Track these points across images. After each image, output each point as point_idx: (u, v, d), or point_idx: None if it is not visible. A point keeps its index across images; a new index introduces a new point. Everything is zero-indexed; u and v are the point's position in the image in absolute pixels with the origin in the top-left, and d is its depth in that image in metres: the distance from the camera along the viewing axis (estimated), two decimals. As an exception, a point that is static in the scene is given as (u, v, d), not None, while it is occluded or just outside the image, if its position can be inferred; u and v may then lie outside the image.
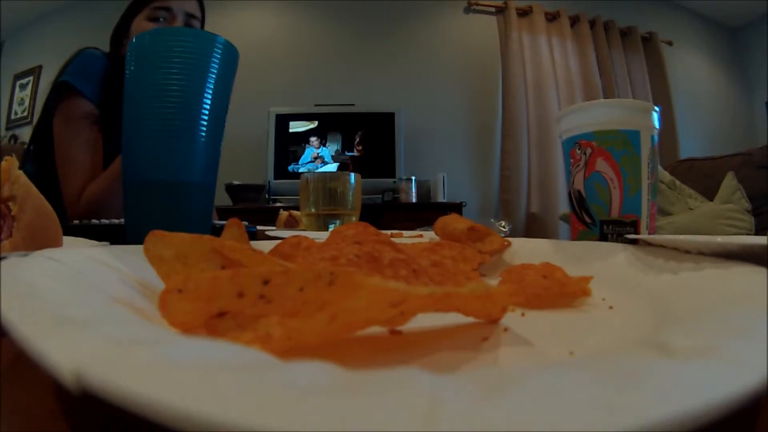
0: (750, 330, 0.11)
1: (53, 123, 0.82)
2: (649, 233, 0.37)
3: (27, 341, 0.09)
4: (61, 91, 0.81)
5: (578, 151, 0.39)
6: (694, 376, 0.08)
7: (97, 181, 0.80)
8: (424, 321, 0.17)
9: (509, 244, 0.35)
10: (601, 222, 0.38)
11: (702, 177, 1.12)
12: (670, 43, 2.94)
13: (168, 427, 0.06)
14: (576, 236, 0.40)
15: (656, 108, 0.39)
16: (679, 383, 0.08)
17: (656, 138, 0.39)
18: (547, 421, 0.07)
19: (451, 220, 0.36)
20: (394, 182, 2.27)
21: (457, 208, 2.12)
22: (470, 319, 0.17)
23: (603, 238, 0.37)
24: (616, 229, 0.37)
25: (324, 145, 2.34)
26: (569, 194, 0.41)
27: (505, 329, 0.17)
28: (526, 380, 0.08)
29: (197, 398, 0.07)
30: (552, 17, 2.68)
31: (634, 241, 0.29)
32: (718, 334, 0.11)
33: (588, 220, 0.38)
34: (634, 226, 0.37)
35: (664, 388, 0.07)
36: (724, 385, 0.07)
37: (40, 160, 0.85)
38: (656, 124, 0.39)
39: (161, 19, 0.84)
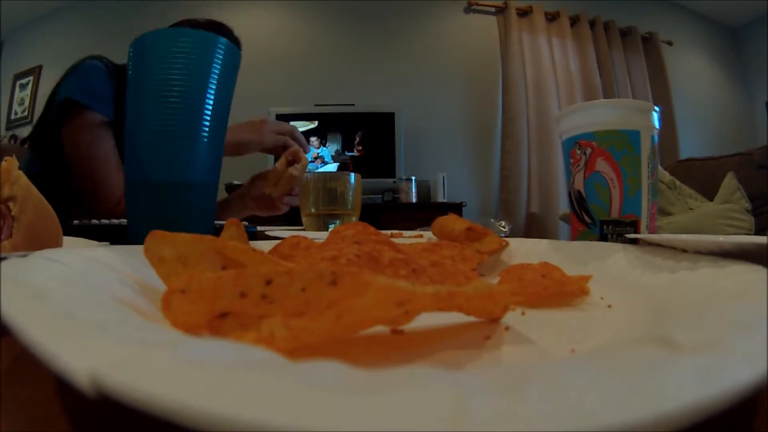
0: (751, 325, 0.11)
1: (63, 136, 0.81)
2: (648, 233, 0.37)
3: (37, 344, 0.08)
4: (67, 108, 0.80)
5: (578, 151, 0.39)
6: (703, 367, 0.08)
7: None
8: (424, 321, 0.17)
9: (507, 244, 0.35)
10: (601, 222, 0.38)
11: (702, 177, 1.12)
12: (670, 43, 2.94)
13: (184, 428, 0.06)
14: (576, 236, 0.40)
15: (656, 108, 0.39)
16: (690, 375, 0.08)
17: (656, 138, 0.39)
18: (571, 413, 0.07)
19: (448, 221, 0.36)
20: (394, 182, 2.27)
21: (457, 208, 2.12)
22: (471, 319, 0.17)
23: (603, 238, 0.38)
24: (616, 229, 0.37)
25: (324, 145, 2.34)
26: (569, 194, 0.41)
27: (506, 328, 0.17)
28: (543, 374, 0.08)
29: (221, 399, 0.07)
30: (552, 17, 2.68)
31: (634, 241, 0.29)
32: (720, 330, 0.11)
33: (588, 220, 0.38)
34: (634, 226, 0.37)
35: (676, 380, 0.08)
36: (733, 376, 0.08)
37: (39, 166, 0.85)
38: (656, 124, 0.39)
39: None
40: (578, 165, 0.39)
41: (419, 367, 0.09)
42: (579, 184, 0.39)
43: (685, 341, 0.10)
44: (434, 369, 0.08)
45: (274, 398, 0.07)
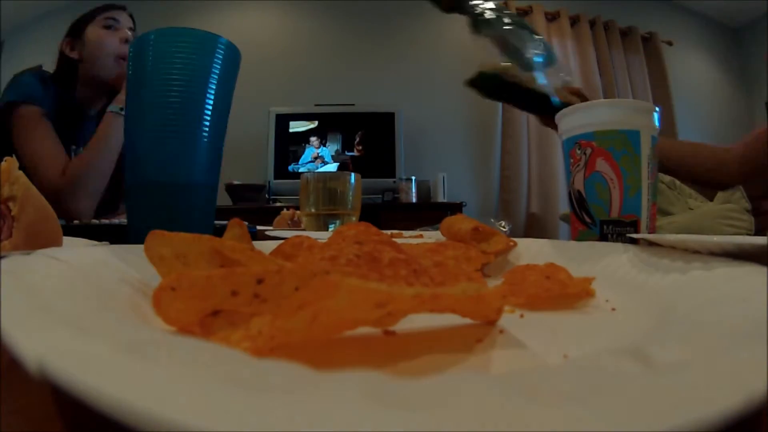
0: (743, 342, 0.10)
1: (12, 139, 0.89)
2: (648, 233, 0.37)
3: (4, 331, 0.09)
4: (8, 111, 0.88)
5: (578, 151, 0.39)
6: (662, 392, 0.08)
7: (79, 157, 0.88)
8: (423, 322, 0.17)
9: (515, 244, 0.35)
10: (601, 222, 0.38)
11: (702, 177, 1.12)
12: (670, 43, 2.94)
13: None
14: (576, 236, 0.40)
15: (656, 108, 0.39)
16: (641, 400, 0.07)
17: (656, 138, 0.39)
18: None
19: (456, 221, 0.36)
20: (394, 182, 2.27)
21: (457, 208, 2.12)
22: (468, 321, 0.17)
23: (603, 238, 0.37)
24: (616, 229, 0.37)
25: (324, 145, 2.34)
26: (569, 194, 0.41)
27: (501, 331, 0.17)
28: (463, 393, 0.08)
29: (129, 390, 0.07)
30: (552, 17, 2.68)
31: (634, 241, 0.29)
32: (706, 346, 0.10)
33: (588, 220, 0.38)
34: (634, 227, 0.37)
35: (633, 404, 0.07)
36: (701, 403, 0.07)
37: None
38: (657, 124, 0.39)
39: (112, 27, 0.98)
40: (578, 165, 0.39)
41: (350, 371, 0.08)
42: (579, 184, 0.39)
43: (660, 359, 0.09)
44: (363, 374, 0.08)
45: (171, 391, 0.07)
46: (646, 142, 0.37)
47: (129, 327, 0.11)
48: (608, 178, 0.37)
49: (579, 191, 0.39)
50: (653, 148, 0.38)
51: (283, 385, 0.08)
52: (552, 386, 0.08)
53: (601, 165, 0.38)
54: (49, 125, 0.90)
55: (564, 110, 0.41)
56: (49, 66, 1.01)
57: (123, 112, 0.82)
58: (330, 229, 0.69)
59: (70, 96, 0.97)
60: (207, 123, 0.40)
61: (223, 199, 2.14)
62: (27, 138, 0.88)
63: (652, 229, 0.38)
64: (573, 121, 0.40)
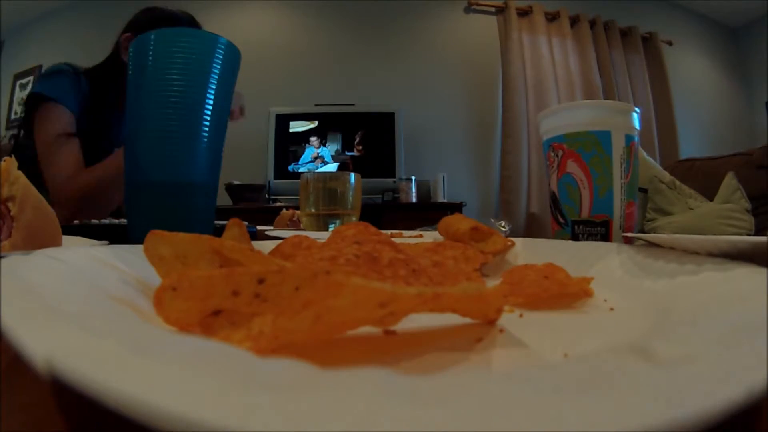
0: (743, 338, 0.10)
1: (34, 135, 0.87)
2: (624, 233, 0.38)
3: (9, 330, 0.09)
4: (34, 102, 0.86)
5: (552, 154, 0.40)
6: (673, 384, 0.08)
7: (90, 170, 0.85)
8: (420, 321, 0.17)
9: (513, 244, 0.34)
10: (572, 222, 0.38)
11: (702, 177, 1.12)
12: (670, 43, 2.94)
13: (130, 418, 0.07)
14: (553, 236, 0.40)
15: (636, 109, 0.39)
16: (657, 392, 0.07)
17: (636, 138, 0.39)
18: (481, 427, 0.06)
19: (454, 220, 0.36)
20: (394, 182, 2.27)
21: (457, 208, 2.12)
22: (467, 320, 0.17)
23: (574, 237, 0.38)
24: (587, 229, 0.37)
25: (324, 145, 2.34)
26: (549, 195, 0.41)
27: (501, 330, 0.17)
28: (473, 388, 0.08)
29: (143, 387, 0.07)
30: (552, 17, 2.68)
31: (631, 241, 0.29)
32: (707, 341, 0.10)
33: (561, 220, 0.39)
34: (606, 226, 0.37)
35: (635, 398, 0.07)
36: (704, 395, 0.07)
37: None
38: (636, 124, 0.39)
39: None
40: (552, 167, 0.39)
41: (369, 369, 0.08)
42: (554, 185, 0.39)
43: (663, 353, 0.09)
44: (378, 372, 0.08)
45: (188, 389, 0.07)
46: (618, 142, 0.37)
47: (133, 326, 0.12)
48: (578, 179, 0.37)
49: (554, 192, 0.39)
50: (628, 148, 0.38)
51: (296, 383, 0.08)
52: (557, 380, 0.08)
53: (572, 166, 0.38)
54: (75, 146, 0.87)
55: (541, 113, 0.41)
56: (50, 65, 0.99)
57: None
58: (330, 229, 0.69)
59: (105, 94, 0.93)
60: (207, 123, 0.40)
61: (223, 199, 2.14)
62: (47, 147, 0.85)
63: (628, 229, 0.38)
64: (548, 123, 0.40)
